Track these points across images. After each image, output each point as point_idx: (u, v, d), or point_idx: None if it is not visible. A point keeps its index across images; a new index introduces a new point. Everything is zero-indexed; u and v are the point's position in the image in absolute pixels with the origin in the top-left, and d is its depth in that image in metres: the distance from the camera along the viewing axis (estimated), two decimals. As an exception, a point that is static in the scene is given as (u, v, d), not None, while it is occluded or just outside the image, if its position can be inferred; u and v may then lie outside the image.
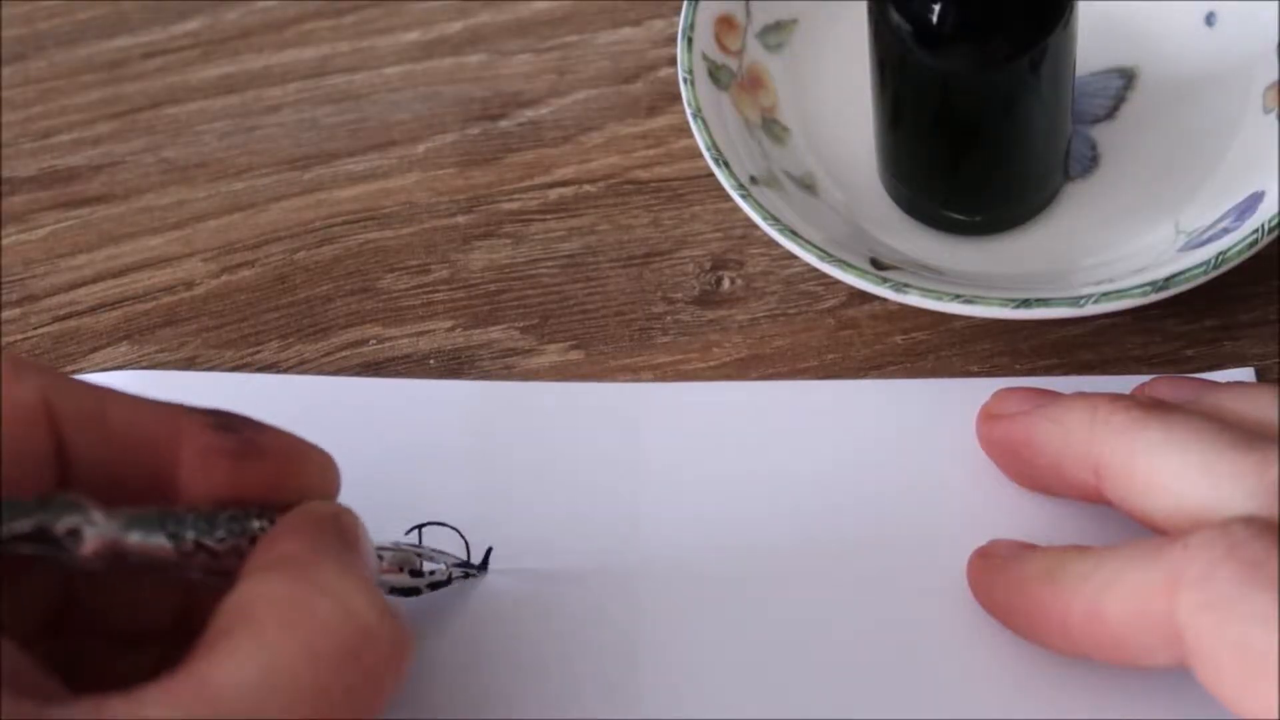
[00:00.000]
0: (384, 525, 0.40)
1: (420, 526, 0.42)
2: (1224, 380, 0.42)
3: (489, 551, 0.42)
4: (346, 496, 0.38)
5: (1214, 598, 0.33)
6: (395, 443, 0.44)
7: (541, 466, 0.44)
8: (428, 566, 0.40)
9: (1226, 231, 0.44)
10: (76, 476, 0.36)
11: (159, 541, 0.34)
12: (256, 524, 0.36)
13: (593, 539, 0.42)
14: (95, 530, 0.34)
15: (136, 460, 0.36)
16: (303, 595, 0.33)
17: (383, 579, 0.39)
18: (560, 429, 0.44)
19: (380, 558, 0.39)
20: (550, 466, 0.44)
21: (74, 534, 0.33)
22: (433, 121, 0.52)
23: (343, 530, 0.36)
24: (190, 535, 0.35)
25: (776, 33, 0.50)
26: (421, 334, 0.47)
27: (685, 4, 0.48)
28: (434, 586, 0.41)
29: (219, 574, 0.35)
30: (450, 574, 0.41)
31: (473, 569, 0.41)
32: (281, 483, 0.36)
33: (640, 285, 0.48)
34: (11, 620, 0.35)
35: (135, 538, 0.34)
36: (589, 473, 0.43)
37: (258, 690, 0.32)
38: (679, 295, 0.48)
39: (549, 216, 0.49)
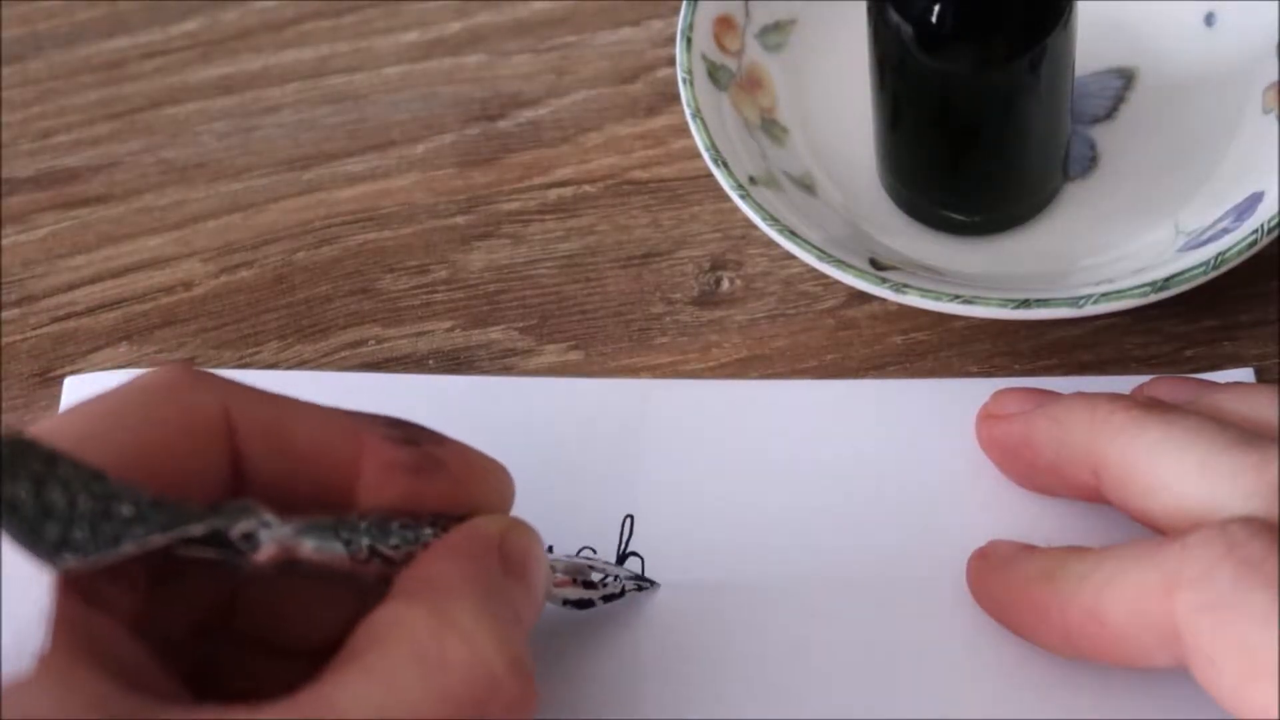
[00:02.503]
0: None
1: None
2: (1223, 381, 0.42)
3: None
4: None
5: (1212, 598, 0.33)
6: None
7: (541, 463, 0.44)
8: (598, 578, 0.40)
9: (1226, 232, 0.44)
10: (252, 487, 0.35)
11: (334, 548, 0.34)
12: (429, 531, 0.35)
13: (591, 536, 0.42)
14: (270, 535, 0.34)
15: (314, 472, 0.36)
16: (437, 633, 0.33)
17: (556, 592, 0.39)
18: (560, 425, 0.44)
19: (553, 569, 0.39)
20: (550, 463, 0.44)
21: (249, 538, 0.33)
22: (432, 122, 0.52)
23: (507, 554, 0.36)
24: (365, 542, 0.35)
25: (775, 33, 0.50)
26: (421, 334, 0.47)
27: (684, 4, 0.48)
28: (608, 599, 0.41)
29: (391, 581, 0.35)
30: (624, 586, 0.41)
31: (646, 581, 0.41)
32: (457, 496, 0.36)
33: (639, 285, 0.48)
34: (160, 621, 0.35)
35: (310, 544, 0.34)
36: (588, 469, 0.43)
37: None
38: (678, 295, 0.48)
39: (548, 217, 0.49)
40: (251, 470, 0.35)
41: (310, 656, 0.34)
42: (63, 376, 0.47)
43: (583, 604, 0.40)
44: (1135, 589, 0.35)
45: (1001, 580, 0.39)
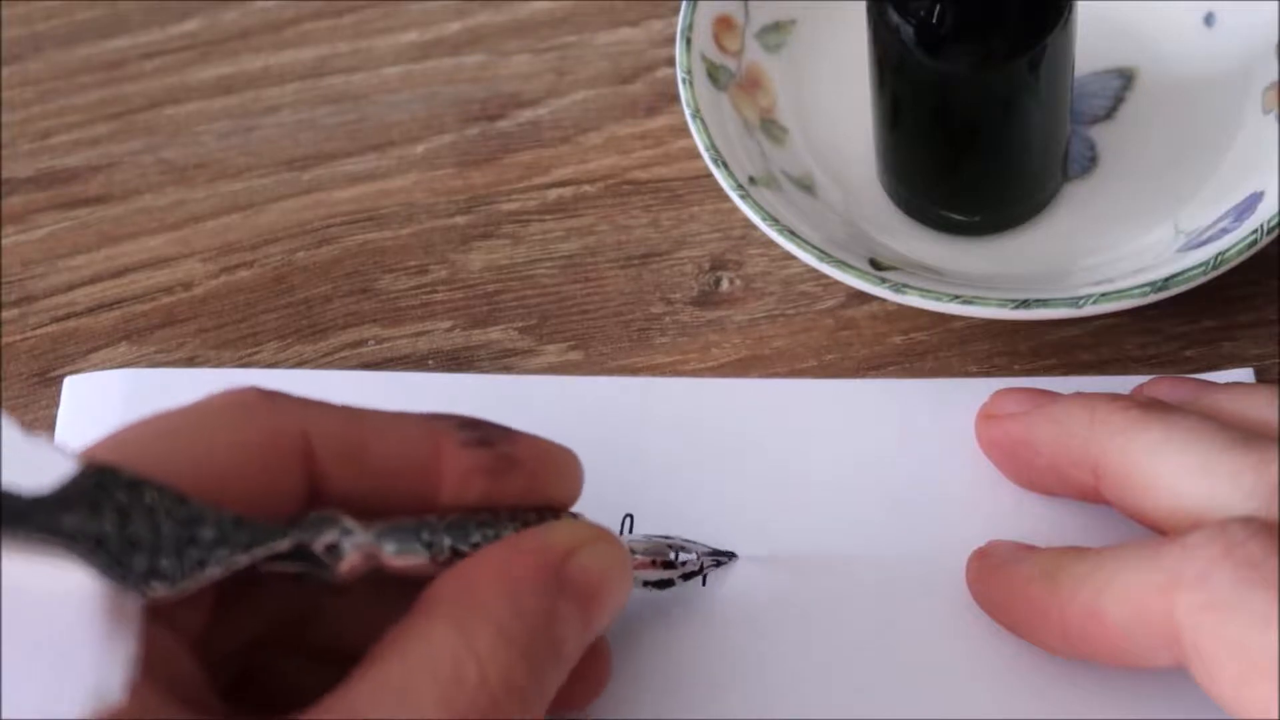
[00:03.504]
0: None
1: None
2: (1223, 381, 0.42)
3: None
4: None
5: (1212, 598, 0.33)
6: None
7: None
8: (681, 557, 0.40)
9: (1226, 232, 0.44)
10: (328, 500, 0.35)
11: (415, 549, 0.34)
12: (510, 527, 0.36)
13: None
14: (352, 542, 0.34)
15: (393, 484, 0.36)
16: (454, 651, 0.33)
17: (635, 574, 0.39)
18: (560, 424, 0.44)
19: (633, 551, 0.39)
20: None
21: (332, 549, 0.34)
22: (431, 122, 0.52)
23: (570, 575, 0.35)
24: (446, 542, 0.35)
25: (775, 33, 0.50)
26: (420, 334, 0.47)
27: (684, 4, 0.48)
28: (687, 577, 0.41)
29: None
30: (702, 563, 0.41)
31: (724, 556, 0.41)
32: (533, 491, 0.36)
33: (639, 286, 0.48)
34: (226, 635, 0.35)
35: (391, 549, 0.34)
36: (588, 468, 0.43)
37: None
38: (678, 296, 0.48)
39: (548, 217, 0.49)
40: (329, 489, 0.35)
41: None
42: (62, 376, 0.47)
43: (663, 584, 0.40)
44: (1135, 589, 0.35)
45: (1001, 580, 0.39)
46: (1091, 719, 0.38)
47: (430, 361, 0.47)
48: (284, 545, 0.33)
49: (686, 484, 0.43)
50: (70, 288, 0.49)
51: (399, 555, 0.34)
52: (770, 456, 0.43)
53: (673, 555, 0.40)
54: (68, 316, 0.49)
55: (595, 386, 0.45)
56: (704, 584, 0.41)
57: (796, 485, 0.43)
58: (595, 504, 0.43)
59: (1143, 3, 0.50)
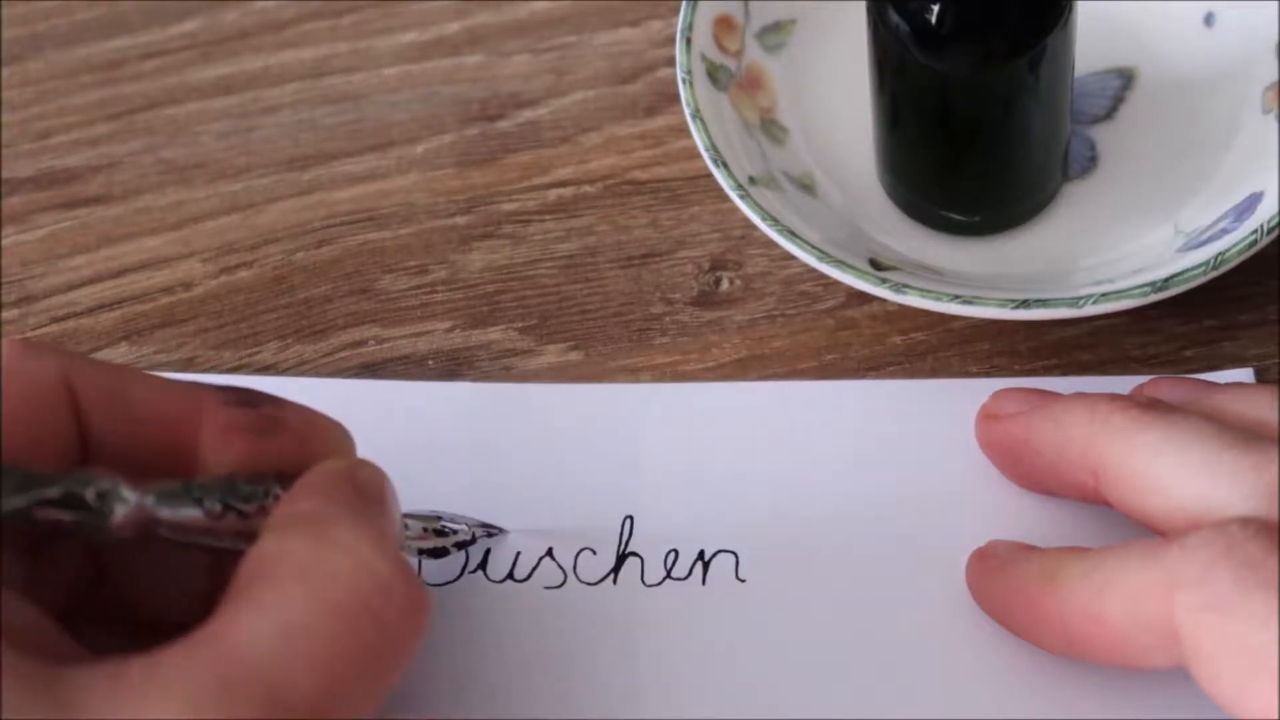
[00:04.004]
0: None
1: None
2: (1223, 381, 0.42)
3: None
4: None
5: (1211, 598, 0.33)
6: (394, 446, 0.44)
7: (541, 468, 0.44)
8: (448, 527, 0.41)
9: (1225, 232, 0.44)
10: (98, 456, 0.36)
11: (186, 506, 0.35)
12: (278, 488, 0.36)
13: (591, 540, 0.42)
14: (126, 500, 0.34)
15: (158, 438, 0.36)
16: (318, 551, 0.33)
17: (409, 542, 0.40)
18: (560, 431, 0.44)
19: (405, 524, 0.39)
20: (550, 468, 0.44)
21: (103, 498, 0.34)
22: (431, 122, 0.52)
23: (360, 485, 0.36)
24: (215, 500, 0.35)
25: (775, 33, 0.50)
26: (420, 335, 0.47)
27: (684, 4, 0.48)
28: (460, 545, 0.41)
29: (249, 536, 0.35)
30: (474, 533, 0.41)
31: (495, 529, 0.42)
32: (300, 453, 0.37)
33: (639, 286, 0.48)
34: (37, 598, 0.35)
35: (163, 505, 0.35)
36: (588, 474, 0.43)
37: (274, 646, 0.32)
38: (678, 296, 0.48)
39: (547, 217, 0.49)
40: (97, 438, 0.36)
41: (176, 630, 0.34)
42: (62, 377, 0.47)
43: (437, 552, 0.41)
44: (1134, 590, 0.35)
45: (1001, 580, 0.39)
46: (1091, 719, 0.39)
47: (430, 361, 0.47)
48: (54, 492, 0.34)
49: (686, 485, 0.43)
50: (70, 288, 0.49)
51: (172, 511, 0.35)
52: (770, 457, 0.43)
53: (443, 525, 0.41)
54: (68, 316, 0.49)
55: (595, 393, 0.45)
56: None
57: (796, 486, 0.43)
58: (596, 507, 0.43)
59: (1143, 3, 0.50)
